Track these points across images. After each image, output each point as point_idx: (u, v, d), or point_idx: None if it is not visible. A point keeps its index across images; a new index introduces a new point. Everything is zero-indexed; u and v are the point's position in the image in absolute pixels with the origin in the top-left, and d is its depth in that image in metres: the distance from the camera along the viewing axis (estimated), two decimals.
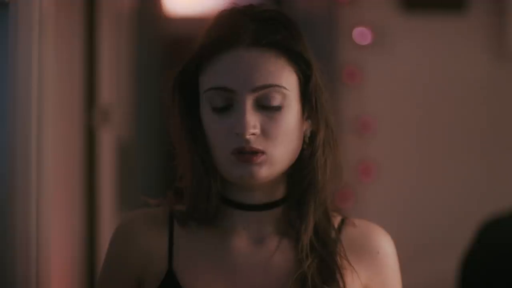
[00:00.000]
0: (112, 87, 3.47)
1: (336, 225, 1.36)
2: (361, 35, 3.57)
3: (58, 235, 2.35)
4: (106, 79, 3.29)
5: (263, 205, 1.33)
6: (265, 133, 1.27)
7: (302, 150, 1.32)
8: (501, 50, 3.59)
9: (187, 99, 1.33)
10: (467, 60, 3.60)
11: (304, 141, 1.32)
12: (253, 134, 1.26)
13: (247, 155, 1.26)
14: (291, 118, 1.28)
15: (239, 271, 1.31)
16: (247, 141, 1.25)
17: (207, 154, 1.30)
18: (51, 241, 1.94)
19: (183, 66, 1.32)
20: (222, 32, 1.28)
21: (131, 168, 3.89)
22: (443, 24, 3.59)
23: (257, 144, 1.26)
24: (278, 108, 1.27)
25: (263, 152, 1.27)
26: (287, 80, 1.28)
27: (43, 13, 1.69)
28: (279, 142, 1.27)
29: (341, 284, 1.30)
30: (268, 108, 1.27)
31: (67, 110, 2.69)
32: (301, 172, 1.32)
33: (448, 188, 3.58)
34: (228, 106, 1.27)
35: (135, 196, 3.70)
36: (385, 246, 1.36)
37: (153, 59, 4.61)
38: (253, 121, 1.26)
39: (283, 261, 1.32)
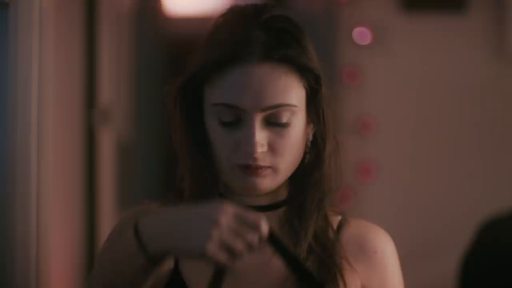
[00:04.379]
0: (112, 87, 3.47)
1: (335, 226, 1.35)
2: (361, 35, 3.57)
3: (58, 235, 2.35)
4: (106, 79, 3.29)
5: (264, 207, 1.33)
6: (272, 149, 1.26)
7: (305, 153, 1.32)
8: (501, 50, 3.60)
9: (189, 106, 1.31)
10: (467, 60, 3.60)
11: (306, 145, 1.32)
12: (261, 151, 1.25)
13: (253, 169, 1.26)
14: (297, 132, 1.28)
15: (239, 276, 1.31)
16: (254, 159, 1.25)
17: (209, 160, 1.29)
18: (51, 241, 1.94)
19: (187, 76, 1.29)
20: (230, 44, 1.24)
21: (131, 168, 3.89)
22: (443, 24, 3.59)
23: (264, 161, 1.26)
24: (286, 125, 1.26)
25: (269, 167, 1.27)
26: (297, 96, 1.27)
27: (43, 13, 1.69)
28: (286, 156, 1.27)
29: (341, 285, 1.30)
30: (276, 125, 1.26)
31: (67, 110, 2.69)
32: (306, 179, 1.32)
33: (448, 188, 3.58)
34: (236, 121, 1.26)
35: (135, 196, 3.70)
36: (383, 245, 1.36)
37: (153, 59, 4.61)
38: (261, 139, 1.25)
39: (281, 265, 1.32)
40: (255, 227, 1.13)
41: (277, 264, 1.31)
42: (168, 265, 1.31)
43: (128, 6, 3.98)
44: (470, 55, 3.60)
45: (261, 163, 1.25)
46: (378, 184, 3.53)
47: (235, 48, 1.24)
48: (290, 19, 1.30)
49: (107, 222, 3.20)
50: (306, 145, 1.31)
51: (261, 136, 1.25)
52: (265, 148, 1.26)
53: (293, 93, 1.26)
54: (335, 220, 1.36)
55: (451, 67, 3.61)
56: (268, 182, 1.27)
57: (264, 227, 1.13)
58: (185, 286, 1.30)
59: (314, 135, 1.32)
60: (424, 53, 3.61)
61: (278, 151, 1.26)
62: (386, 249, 1.35)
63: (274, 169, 1.27)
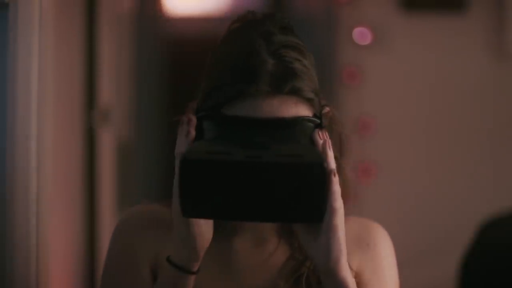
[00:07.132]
0: (112, 88, 3.47)
1: None
2: (361, 35, 3.57)
3: (58, 235, 2.35)
4: (106, 80, 3.29)
5: None
6: None
7: None
8: (501, 50, 3.60)
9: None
10: (467, 60, 3.60)
11: None
12: None
13: None
14: None
15: (239, 271, 1.32)
16: None
17: None
18: (51, 241, 1.94)
19: (198, 109, 1.26)
20: (239, 81, 1.21)
21: (131, 168, 3.89)
22: (443, 24, 3.59)
23: None
24: None
25: None
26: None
27: (43, 13, 1.69)
28: None
29: None
30: None
31: (67, 111, 2.69)
32: None
33: (448, 188, 3.58)
34: None
35: (135, 196, 3.70)
36: (377, 238, 1.36)
37: (153, 59, 4.62)
38: None
39: (281, 262, 1.33)
40: None
41: (276, 263, 1.33)
42: None
43: (128, 7, 3.98)
44: (470, 55, 3.60)
45: None
46: (378, 184, 3.53)
47: (245, 86, 1.21)
48: (299, 42, 1.27)
49: (107, 222, 3.20)
50: None
51: None
52: None
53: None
54: None
55: (451, 67, 3.61)
56: None
57: None
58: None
59: None
60: (424, 53, 3.61)
61: None
62: (379, 241, 1.36)
63: None
